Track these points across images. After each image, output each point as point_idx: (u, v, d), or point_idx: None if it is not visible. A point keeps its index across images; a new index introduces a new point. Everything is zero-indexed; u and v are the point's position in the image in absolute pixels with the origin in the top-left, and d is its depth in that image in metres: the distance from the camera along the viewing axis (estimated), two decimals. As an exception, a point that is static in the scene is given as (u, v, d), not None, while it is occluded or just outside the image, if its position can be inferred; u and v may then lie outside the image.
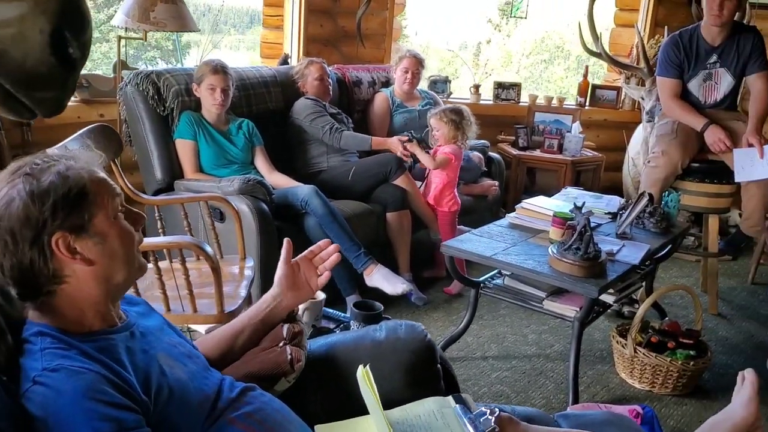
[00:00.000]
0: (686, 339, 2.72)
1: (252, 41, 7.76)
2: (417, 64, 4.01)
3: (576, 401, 2.52)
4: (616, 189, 4.48)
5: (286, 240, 1.57)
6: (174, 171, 3.14)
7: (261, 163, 3.27)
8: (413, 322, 1.63)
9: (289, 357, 1.44)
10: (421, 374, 1.54)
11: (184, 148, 3.11)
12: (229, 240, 2.67)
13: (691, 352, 2.67)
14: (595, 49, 4.41)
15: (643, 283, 3.20)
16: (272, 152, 3.37)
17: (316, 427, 1.39)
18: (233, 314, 2.10)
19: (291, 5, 4.40)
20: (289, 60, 4.24)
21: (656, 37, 4.79)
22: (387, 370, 1.50)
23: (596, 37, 4.36)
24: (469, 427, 1.35)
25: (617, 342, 2.79)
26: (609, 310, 3.01)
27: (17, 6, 0.83)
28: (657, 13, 4.93)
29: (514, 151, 4.53)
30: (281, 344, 1.48)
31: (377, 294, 2.92)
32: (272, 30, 4.53)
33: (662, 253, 3.09)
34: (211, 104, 3.12)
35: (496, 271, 2.89)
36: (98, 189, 1.13)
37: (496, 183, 4.06)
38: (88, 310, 1.14)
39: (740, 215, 4.33)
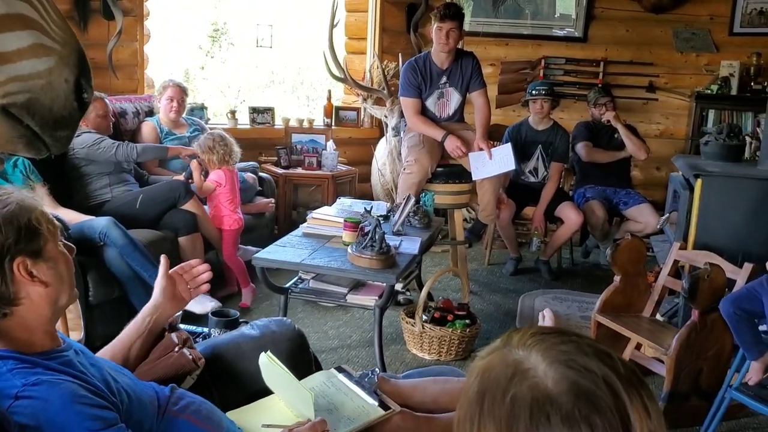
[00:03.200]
0: (460, 311, 3.29)
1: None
2: (181, 92, 4.14)
3: (385, 377, 2.92)
4: (368, 196, 5.03)
5: (163, 257, 1.70)
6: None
7: (43, 200, 3.16)
8: (280, 318, 1.88)
9: (190, 357, 1.61)
10: (300, 359, 1.80)
11: (-45, 190, 2.89)
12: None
13: (467, 321, 3.24)
14: (339, 75, 4.94)
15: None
16: (49, 188, 3.26)
17: (228, 413, 1.57)
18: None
19: (33, 36, 4.20)
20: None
21: (384, 63, 5.47)
22: (271, 359, 1.73)
23: (339, 65, 4.89)
24: (358, 388, 1.65)
25: (407, 322, 3.26)
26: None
27: (46, 61, 0.96)
28: (383, 41, 5.62)
29: (279, 171, 4.85)
30: (177, 350, 1.63)
31: (183, 315, 3.02)
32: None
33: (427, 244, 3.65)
34: (-17, 143, 2.95)
35: (297, 276, 3.19)
36: (46, 220, 1.24)
37: (272, 200, 4.35)
38: (37, 331, 1.22)
39: (470, 209, 5.19)
